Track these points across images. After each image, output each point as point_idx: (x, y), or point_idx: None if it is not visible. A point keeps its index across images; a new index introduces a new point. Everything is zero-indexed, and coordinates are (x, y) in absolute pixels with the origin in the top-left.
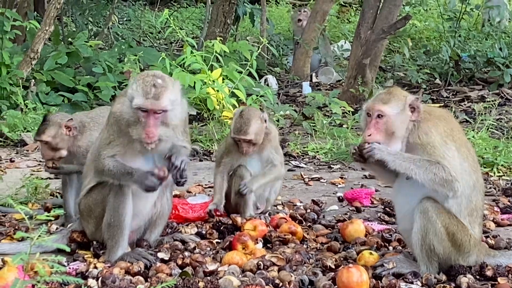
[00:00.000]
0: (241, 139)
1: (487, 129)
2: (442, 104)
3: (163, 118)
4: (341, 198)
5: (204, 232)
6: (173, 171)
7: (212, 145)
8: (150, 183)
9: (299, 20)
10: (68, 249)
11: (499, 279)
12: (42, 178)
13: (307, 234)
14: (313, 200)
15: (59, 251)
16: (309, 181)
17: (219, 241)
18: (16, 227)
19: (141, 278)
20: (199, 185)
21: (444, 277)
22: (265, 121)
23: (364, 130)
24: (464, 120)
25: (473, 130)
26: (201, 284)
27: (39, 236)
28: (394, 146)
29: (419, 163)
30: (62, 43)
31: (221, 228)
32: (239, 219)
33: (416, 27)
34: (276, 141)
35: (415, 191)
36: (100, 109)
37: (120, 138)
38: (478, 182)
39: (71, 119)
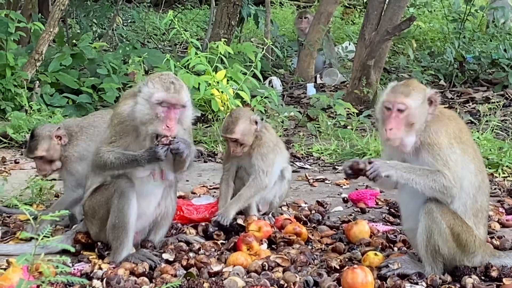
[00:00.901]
0: (227, 138)
1: (492, 130)
2: (446, 106)
3: (180, 116)
4: (345, 199)
5: (213, 231)
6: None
7: (216, 147)
8: (160, 154)
9: (301, 28)
10: (72, 250)
11: (504, 280)
12: (46, 179)
13: (312, 235)
14: (317, 201)
15: (63, 252)
16: (313, 182)
17: (224, 242)
18: (21, 228)
19: (145, 279)
20: (203, 186)
21: (449, 278)
22: (256, 123)
23: (381, 124)
24: (469, 121)
25: (478, 131)
26: (206, 285)
27: (44, 236)
28: (410, 139)
29: (419, 172)
30: (67, 44)
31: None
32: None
33: (420, 28)
34: (265, 149)
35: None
36: (95, 117)
37: (122, 139)
38: (484, 183)
39: (59, 128)
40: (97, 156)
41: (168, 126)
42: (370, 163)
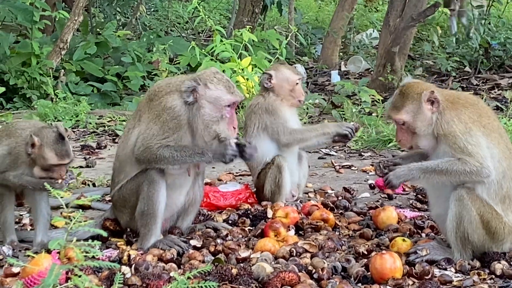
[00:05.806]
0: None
1: None
2: (472, 92)
3: None
4: (372, 185)
5: (236, 219)
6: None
7: (242, 134)
8: (231, 153)
9: None
10: (105, 234)
11: None
12: (73, 167)
13: (339, 221)
14: (344, 188)
15: (92, 239)
16: (340, 168)
17: (251, 228)
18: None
19: (174, 265)
20: (230, 173)
21: (478, 264)
22: None
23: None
24: (496, 107)
25: (504, 117)
26: (234, 270)
27: (76, 221)
28: (423, 142)
29: (440, 166)
30: (91, 33)
31: (250, 216)
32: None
33: (445, 14)
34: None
35: None
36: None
37: (175, 135)
38: (510, 169)
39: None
40: (151, 150)
41: (234, 128)
42: (386, 173)
